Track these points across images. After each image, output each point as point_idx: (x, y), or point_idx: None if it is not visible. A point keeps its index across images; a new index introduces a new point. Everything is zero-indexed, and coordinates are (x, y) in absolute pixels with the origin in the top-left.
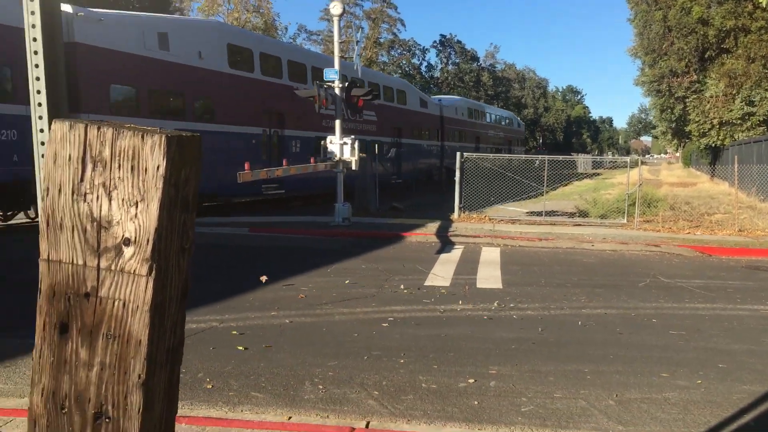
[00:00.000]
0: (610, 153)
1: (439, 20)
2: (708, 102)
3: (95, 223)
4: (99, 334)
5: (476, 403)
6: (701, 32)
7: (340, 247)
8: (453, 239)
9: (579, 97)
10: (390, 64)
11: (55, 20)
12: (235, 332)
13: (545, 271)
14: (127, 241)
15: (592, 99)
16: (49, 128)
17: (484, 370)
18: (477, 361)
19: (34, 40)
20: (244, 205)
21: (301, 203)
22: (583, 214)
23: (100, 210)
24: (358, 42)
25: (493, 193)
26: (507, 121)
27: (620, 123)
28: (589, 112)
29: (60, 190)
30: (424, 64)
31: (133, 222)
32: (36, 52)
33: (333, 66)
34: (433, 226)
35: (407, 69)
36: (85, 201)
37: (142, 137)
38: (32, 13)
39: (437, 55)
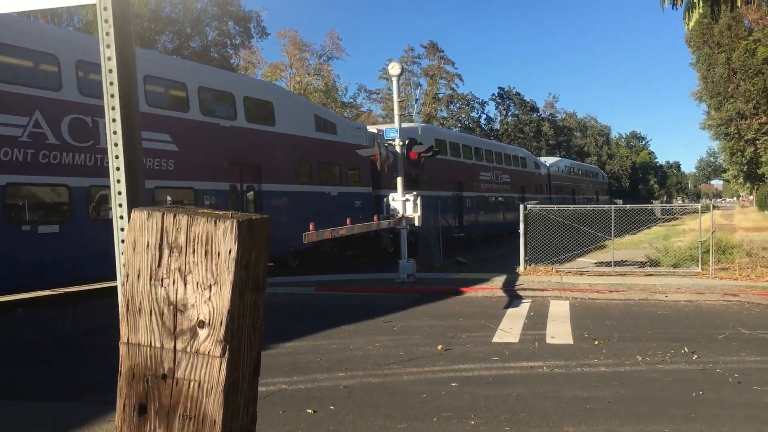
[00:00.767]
0: (679, 198)
1: (496, 73)
2: None
3: (172, 307)
4: (176, 414)
5: None
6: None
7: (405, 303)
8: (520, 293)
9: (643, 142)
10: (449, 119)
11: (133, 122)
12: (303, 395)
13: (618, 325)
14: (201, 324)
15: (657, 144)
16: (128, 216)
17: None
18: (551, 422)
19: (116, 145)
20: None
21: (358, 258)
22: (654, 263)
23: (176, 294)
24: (417, 100)
25: (560, 245)
26: (593, 173)
27: (688, 167)
28: (655, 158)
29: (139, 276)
30: (483, 116)
31: (207, 305)
32: (117, 157)
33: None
34: (498, 280)
35: (467, 123)
36: (162, 285)
37: (215, 223)
38: (113, 120)
39: (496, 108)
